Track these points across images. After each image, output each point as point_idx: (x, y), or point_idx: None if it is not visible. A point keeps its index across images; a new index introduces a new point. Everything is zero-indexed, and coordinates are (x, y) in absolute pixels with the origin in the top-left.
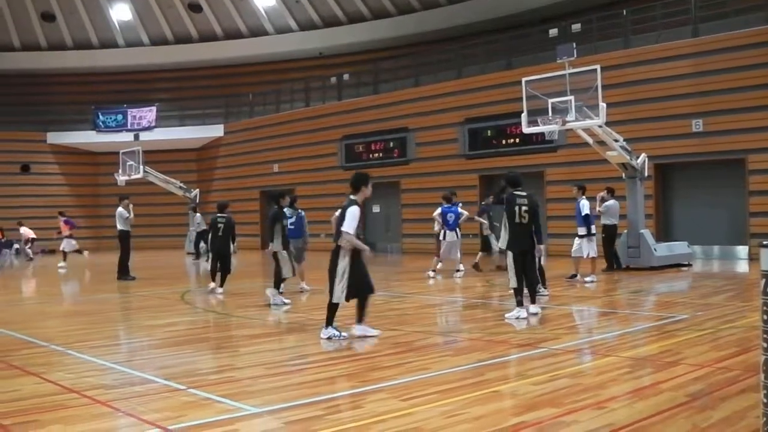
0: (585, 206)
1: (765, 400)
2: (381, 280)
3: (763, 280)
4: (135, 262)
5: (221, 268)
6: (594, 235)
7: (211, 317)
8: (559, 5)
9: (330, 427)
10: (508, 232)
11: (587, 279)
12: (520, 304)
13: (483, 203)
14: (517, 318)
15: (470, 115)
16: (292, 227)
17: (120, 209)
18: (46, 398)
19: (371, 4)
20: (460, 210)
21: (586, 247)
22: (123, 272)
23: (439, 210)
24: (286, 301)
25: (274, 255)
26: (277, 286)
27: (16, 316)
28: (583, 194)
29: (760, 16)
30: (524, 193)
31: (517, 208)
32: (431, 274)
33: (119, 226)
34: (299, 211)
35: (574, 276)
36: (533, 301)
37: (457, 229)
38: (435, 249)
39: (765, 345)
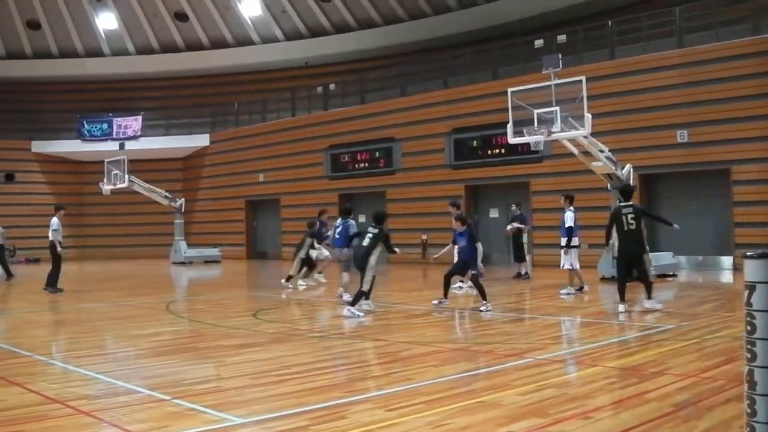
0: (569, 218)
1: (749, 411)
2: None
3: (747, 291)
4: (121, 271)
5: (307, 266)
6: (574, 247)
7: (197, 327)
8: (545, 16)
9: None
10: (618, 239)
11: (562, 291)
12: (622, 300)
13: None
14: (624, 312)
15: (456, 125)
16: (338, 237)
17: (55, 219)
18: (30, 409)
19: (358, 14)
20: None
21: (565, 259)
22: (52, 284)
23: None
24: (360, 313)
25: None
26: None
27: None
28: (571, 204)
29: (746, 27)
30: (630, 203)
31: (624, 218)
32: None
33: (52, 237)
34: (349, 219)
35: (581, 288)
36: (649, 297)
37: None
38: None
39: (749, 356)
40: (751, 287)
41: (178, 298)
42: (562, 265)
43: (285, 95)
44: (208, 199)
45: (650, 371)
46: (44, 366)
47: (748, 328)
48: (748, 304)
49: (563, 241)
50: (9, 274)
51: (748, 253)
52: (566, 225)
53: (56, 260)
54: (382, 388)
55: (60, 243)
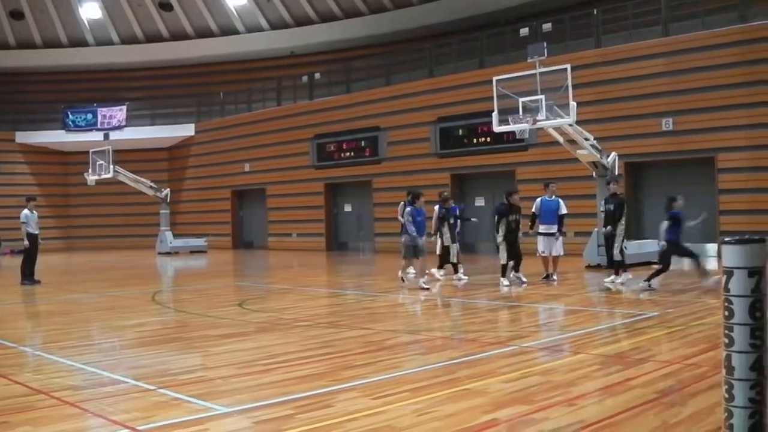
0: (562, 206)
1: (726, 395)
2: (352, 278)
3: (725, 277)
4: (106, 262)
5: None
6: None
7: (182, 317)
8: (530, 5)
9: (300, 426)
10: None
11: (555, 277)
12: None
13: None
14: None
15: (442, 114)
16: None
17: (26, 211)
18: (15, 399)
19: (343, 3)
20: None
21: (560, 246)
22: (27, 276)
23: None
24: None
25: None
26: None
27: None
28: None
29: (731, 15)
30: None
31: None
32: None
33: (31, 230)
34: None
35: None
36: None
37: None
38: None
39: (726, 341)
40: (729, 273)
41: (164, 288)
42: (556, 252)
43: (270, 85)
44: (194, 189)
45: (634, 358)
46: (29, 357)
47: (726, 313)
48: (726, 289)
49: (553, 228)
50: None
51: (726, 239)
52: (562, 212)
53: (28, 252)
54: (367, 376)
55: (34, 235)
